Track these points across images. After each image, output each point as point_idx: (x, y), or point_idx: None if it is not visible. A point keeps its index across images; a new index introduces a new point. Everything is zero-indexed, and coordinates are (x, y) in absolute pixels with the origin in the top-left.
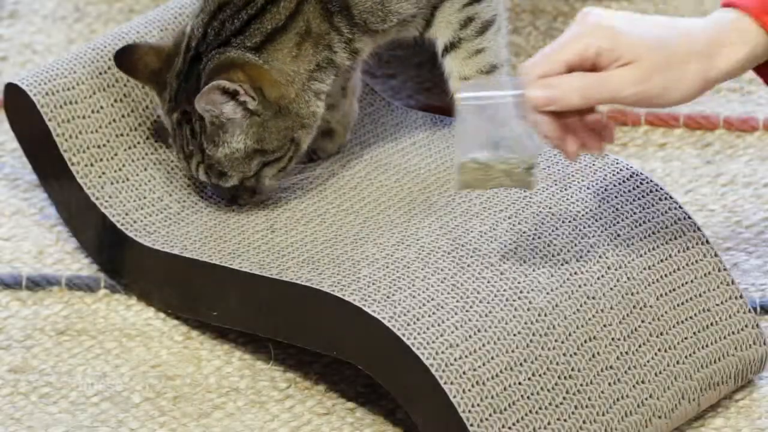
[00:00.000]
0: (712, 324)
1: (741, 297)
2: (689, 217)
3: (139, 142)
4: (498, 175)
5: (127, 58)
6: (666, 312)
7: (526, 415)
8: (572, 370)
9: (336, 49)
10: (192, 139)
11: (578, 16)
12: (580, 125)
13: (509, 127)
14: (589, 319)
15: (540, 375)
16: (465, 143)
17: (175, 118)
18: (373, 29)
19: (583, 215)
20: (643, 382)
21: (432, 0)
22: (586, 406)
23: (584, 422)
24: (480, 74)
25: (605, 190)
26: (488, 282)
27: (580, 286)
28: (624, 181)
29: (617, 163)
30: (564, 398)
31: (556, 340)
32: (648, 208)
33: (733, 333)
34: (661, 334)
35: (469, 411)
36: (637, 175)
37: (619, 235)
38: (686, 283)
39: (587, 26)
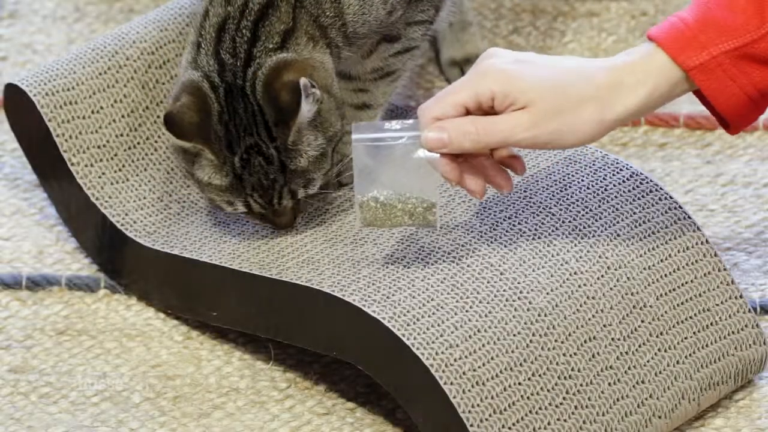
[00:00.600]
0: (711, 324)
1: (741, 297)
2: (689, 217)
3: (139, 143)
4: (399, 214)
5: (176, 124)
6: (666, 312)
7: (526, 415)
8: (572, 370)
9: (333, 60)
10: (269, 166)
11: (479, 58)
12: (489, 162)
13: (406, 167)
14: (589, 319)
15: (540, 375)
16: (364, 182)
17: (237, 161)
18: (356, 38)
19: (583, 215)
20: (643, 382)
21: (381, 32)
22: (586, 407)
23: (584, 422)
24: (350, 106)
25: (605, 190)
26: (488, 282)
27: (579, 286)
28: (624, 181)
29: (617, 163)
30: (564, 398)
31: (556, 341)
32: (648, 208)
33: (733, 333)
34: (661, 334)
35: (469, 411)
36: (636, 175)
37: (618, 235)
38: (686, 283)
39: (483, 69)
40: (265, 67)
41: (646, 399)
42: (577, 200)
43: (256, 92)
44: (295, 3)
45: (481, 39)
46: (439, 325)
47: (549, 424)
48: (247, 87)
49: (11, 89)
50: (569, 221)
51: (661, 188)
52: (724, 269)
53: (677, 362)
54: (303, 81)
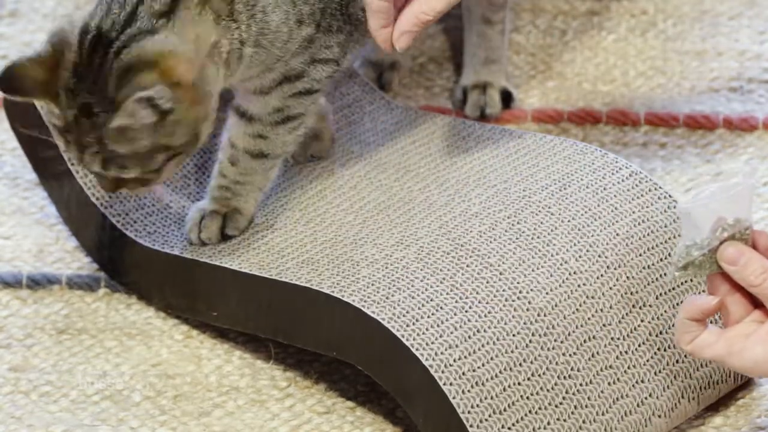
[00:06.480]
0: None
1: None
2: None
3: None
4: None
5: (13, 81)
6: (665, 311)
7: (526, 415)
8: (572, 369)
9: (233, 44)
10: (92, 131)
11: None
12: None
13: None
14: (589, 318)
15: (539, 375)
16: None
17: (71, 115)
18: (265, 31)
19: (582, 214)
20: (642, 381)
21: (287, 64)
22: (586, 406)
23: (584, 422)
24: (246, 153)
25: (604, 189)
26: (487, 282)
27: (579, 286)
28: (623, 180)
29: (616, 162)
30: (564, 398)
31: (555, 340)
32: (647, 206)
33: None
34: (661, 332)
35: (469, 412)
36: (636, 173)
37: (618, 234)
38: (685, 282)
39: None
40: (136, 55)
41: (646, 398)
42: (576, 199)
43: (114, 63)
44: None
45: (506, 79)
46: (438, 325)
47: (549, 423)
48: (113, 49)
49: None
50: (568, 220)
51: (660, 187)
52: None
53: (677, 361)
54: (139, 96)
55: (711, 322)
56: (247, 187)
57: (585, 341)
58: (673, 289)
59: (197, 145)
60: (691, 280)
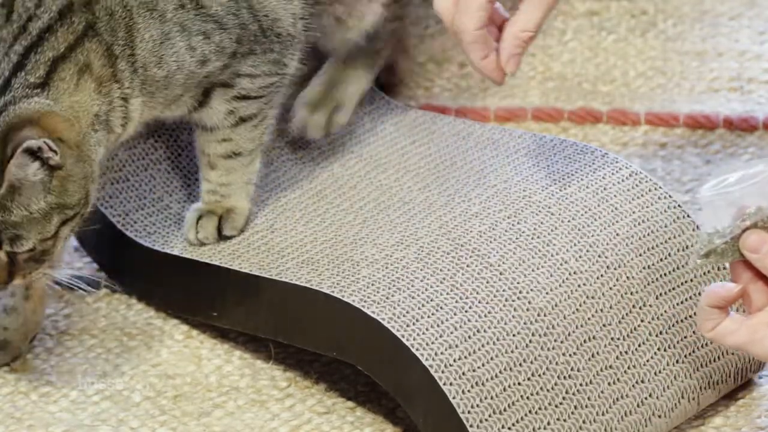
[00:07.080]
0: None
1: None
2: (688, 216)
3: (139, 142)
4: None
5: None
6: (665, 311)
7: (526, 415)
8: (572, 370)
9: (114, 103)
10: None
11: None
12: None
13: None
14: (589, 318)
15: (539, 375)
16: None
17: None
18: (149, 81)
19: (582, 214)
20: (642, 381)
21: (204, 82)
22: (586, 406)
23: (584, 422)
24: (219, 157)
25: (604, 189)
26: (487, 282)
27: (579, 286)
28: (623, 180)
29: (616, 162)
30: (564, 398)
31: (555, 340)
32: (647, 207)
33: None
34: (661, 333)
35: (469, 412)
36: (636, 173)
37: (618, 234)
38: (686, 281)
39: None
40: (14, 115)
41: (646, 398)
42: (577, 199)
43: None
44: (85, 29)
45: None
46: (438, 325)
47: (549, 424)
48: None
49: None
50: (568, 220)
51: (660, 187)
52: (724, 267)
53: (677, 361)
54: (29, 145)
55: (741, 311)
56: (232, 186)
57: (585, 341)
58: (674, 289)
59: (87, 207)
60: (692, 280)
